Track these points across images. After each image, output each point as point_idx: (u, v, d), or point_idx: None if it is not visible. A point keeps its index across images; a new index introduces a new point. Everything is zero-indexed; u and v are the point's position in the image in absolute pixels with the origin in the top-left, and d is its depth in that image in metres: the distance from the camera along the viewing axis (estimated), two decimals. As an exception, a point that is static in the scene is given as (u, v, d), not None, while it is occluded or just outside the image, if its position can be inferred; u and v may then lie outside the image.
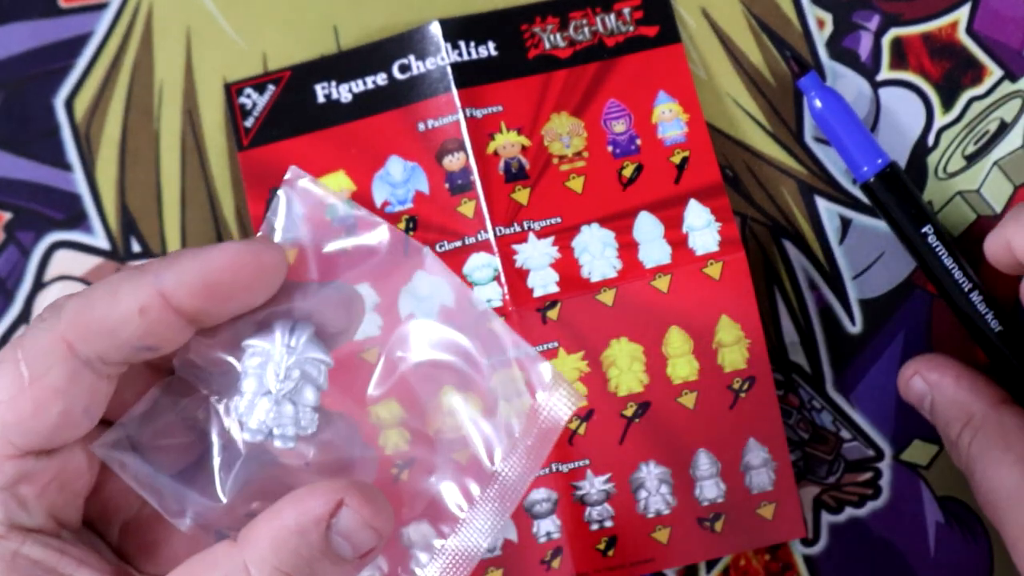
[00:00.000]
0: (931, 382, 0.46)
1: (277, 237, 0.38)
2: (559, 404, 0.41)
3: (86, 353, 0.35)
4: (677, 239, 0.49)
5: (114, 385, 0.37)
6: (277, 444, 0.37)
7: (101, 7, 0.52)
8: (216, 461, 0.38)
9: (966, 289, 0.47)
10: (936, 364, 0.47)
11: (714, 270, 0.49)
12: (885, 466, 0.51)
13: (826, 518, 0.51)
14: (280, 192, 0.40)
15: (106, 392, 0.36)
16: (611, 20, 0.51)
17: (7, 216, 0.51)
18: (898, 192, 0.48)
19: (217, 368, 0.37)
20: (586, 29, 0.51)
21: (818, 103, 0.49)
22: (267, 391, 0.36)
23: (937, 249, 0.48)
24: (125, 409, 0.38)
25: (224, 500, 0.38)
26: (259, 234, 0.39)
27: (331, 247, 0.39)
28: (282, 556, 0.34)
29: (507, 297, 0.49)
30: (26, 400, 0.35)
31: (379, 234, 0.40)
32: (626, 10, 0.51)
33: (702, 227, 0.50)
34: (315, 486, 0.34)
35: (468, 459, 0.41)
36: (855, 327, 0.51)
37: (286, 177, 0.39)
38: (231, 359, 0.37)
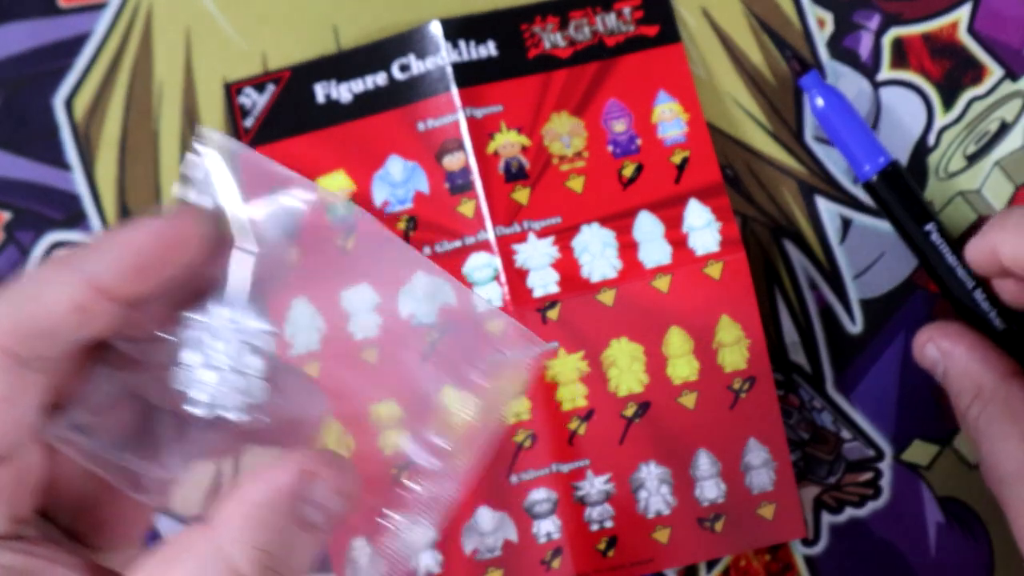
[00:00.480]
0: (943, 350, 0.46)
1: (199, 201, 0.37)
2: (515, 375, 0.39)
3: (25, 356, 0.34)
4: (677, 239, 0.49)
5: (57, 373, 0.36)
6: (229, 417, 0.35)
7: (100, 7, 0.52)
8: (167, 433, 0.37)
9: (969, 287, 0.47)
10: (949, 332, 0.46)
11: (714, 270, 0.49)
12: (885, 466, 0.51)
13: (826, 518, 0.51)
14: (198, 156, 0.37)
15: (50, 383, 0.35)
16: (611, 20, 0.51)
17: (7, 216, 0.51)
18: (900, 190, 0.48)
19: (157, 340, 0.36)
20: (586, 29, 0.51)
21: (820, 101, 0.49)
22: (212, 364, 0.35)
23: (940, 247, 0.48)
24: (67, 388, 0.37)
25: (180, 471, 0.37)
26: (178, 204, 0.38)
27: (256, 206, 0.37)
28: (256, 532, 0.33)
29: (507, 297, 0.49)
30: None
31: (304, 193, 0.38)
32: (626, 10, 0.51)
33: (702, 227, 0.50)
34: (279, 458, 0.34)
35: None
36: (855, 327, 0.51)
37: (201, 141, 0.37)
38: (170, 330, 0.36)
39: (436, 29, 0.50)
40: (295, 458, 0.34)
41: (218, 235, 0.36)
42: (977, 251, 0.44)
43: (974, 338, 0.46)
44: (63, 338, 0.34)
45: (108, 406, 0.37)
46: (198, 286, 0.36)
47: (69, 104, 0.51)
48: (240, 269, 0.35)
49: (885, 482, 0.51)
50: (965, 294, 0.47)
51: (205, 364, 0.35)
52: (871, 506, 0.51)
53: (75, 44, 0.52)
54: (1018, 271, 0.43)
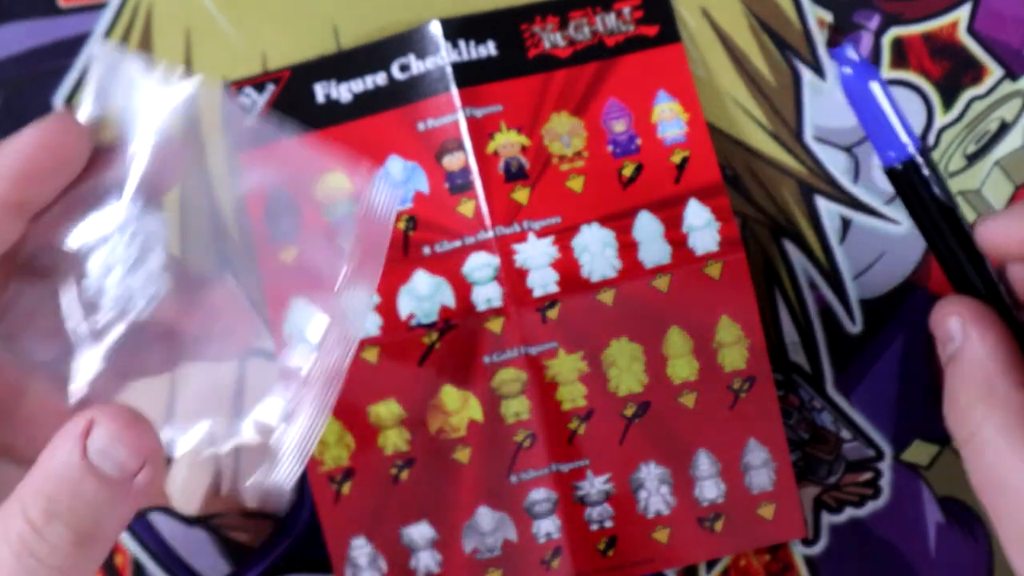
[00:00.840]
0: (967, 333, 0.42)
1: (88, 108, 0.38)
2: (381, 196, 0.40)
3: None
4: (677, 239, 0.49)
5: None
6: (134, 315, 0.37)
7: (100, 7, 0.52)
8: (84, 341, 0.38)
9: (995, 280, 0.45)
10: (981, 316, 0.42)
11: (714, 270, 0.49)
12: (885, 466, 0.51)
13: (826, 518, 0.51)
14: (93, 63, 0.38)
15: None
16: (611, 20, 0.51)
17: (7, 216, 0.51)
18: (927, 180, 0.45)
19: (60, 251, 0.37)
20: (586, 28, 0.51)
21: (847, 70, 0.45)
22: (113, 266, 0.36)
23: (967, 232, 0.44)
24: None
25: (96, 377, 0.37)
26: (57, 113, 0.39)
27: (147, 108, 0.37)
28: (49, 484, 0.34)
29: (507, 297, 0.49)
30: None
31: (184, 85, 0.38)
32: (626, 10, 0.51)
33: (702, 227, 0.50)
34: (76, 415, 0.35)
35: None
36: (855, 327, 0.51)
37: (96, 52, 0.38)
38: (69, 240, 0.37)
39: (436, 29, 0.50)
40: (86, 411, 0.34)
41: (104, 138, 0.37)
42: (994, 229, 0.42)
43: (1003, 334, 0.43)
44: None
45: (24, 322, 0.37)
46: (94, 193, 0.37)
47: (69, 104, 0.51)
48: (131, 169, 0.36)
49: (885, 482, 0.51)
50: (992, 288, 0.43)
51: (108, 268, 0.36)
52: (871, 506, 0.51)
53: (75, 44, 0.52)
54: None
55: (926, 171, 0.43)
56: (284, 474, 0.38)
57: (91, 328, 0.37)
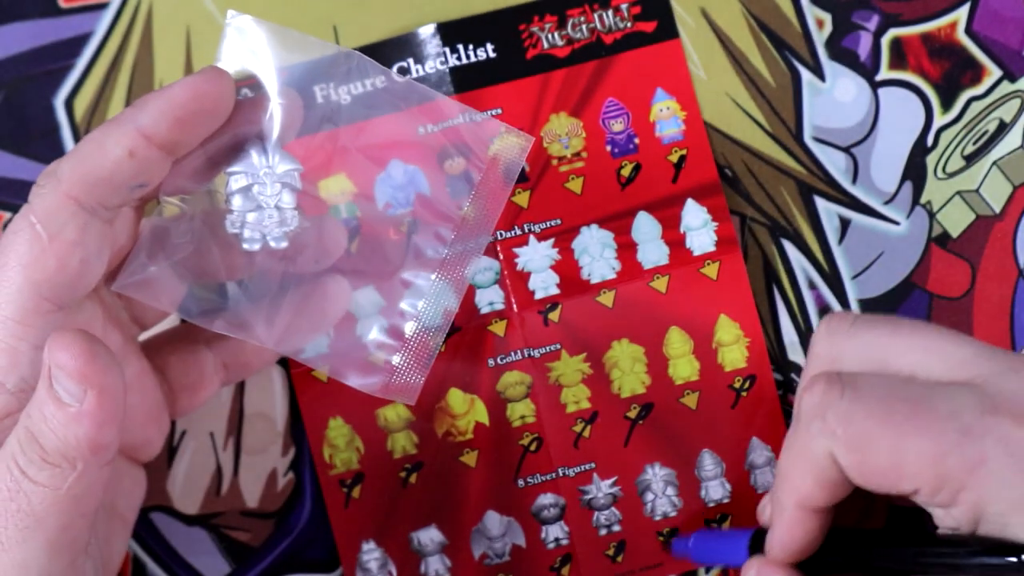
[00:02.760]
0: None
1: (226, 66, 0.41)
2: (511, 146, 0.44)
3: (90, 203, 0.38)
4: (675, 239, 0.50)
5: (115, 227, 0.40)
6: (272, 245, 0.41)
7: (101, 7, 0.51)
8: (224, 270, 0.43)
9: None
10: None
11: (711, 270, 0.49)
12: (885, 465, 0.51)
13: (826, 517, 0.51)
14: (226, 29, 0.42)
15: (111, 235, 0.40)
16: (609, 16, 0.51)
17: (7, 216, 0.51)
18: None
19: (199, 191, 0.42)
20: (584, 27, 0.51)
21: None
22: (256, 205, 0.41)
23: None
24: (120, 249, 0.41)
25: (245, 299, 0.43)
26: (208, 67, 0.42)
27: (274, 66, 0.42)
28: (31, 406, 0.36)
29: (509, 299, 0.49)
30: (49, 258, 0.38)
31: (310, 47, 0.42)
32: (624, 6, 0.51)
33: (699, 227, 0.50)
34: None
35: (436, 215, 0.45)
36: (855, 327, 0.51)
37: (229, 20, 0.42)
38: (209, 181, 0.42)
39: (434, 33, 0.50)
40: (54, 335, 0.36)
41: (245, 92, 0.42)
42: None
43: None
44: (121, 183, 0.38)
45: (168, 255, 0.42)
46: (233, 143, 0.41)
47: (69, 104, 0.51)
48: (267, 121, 0.41)
49: (885, 481, 0.51)
50: None
51: (248, 206, 0.41)
52: (871, 505, 0.51)
53: (76, 44, 0.51)
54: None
55: None
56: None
57: (228, 257, 0.43)
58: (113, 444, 0.37)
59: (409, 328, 0.44)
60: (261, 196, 0.41)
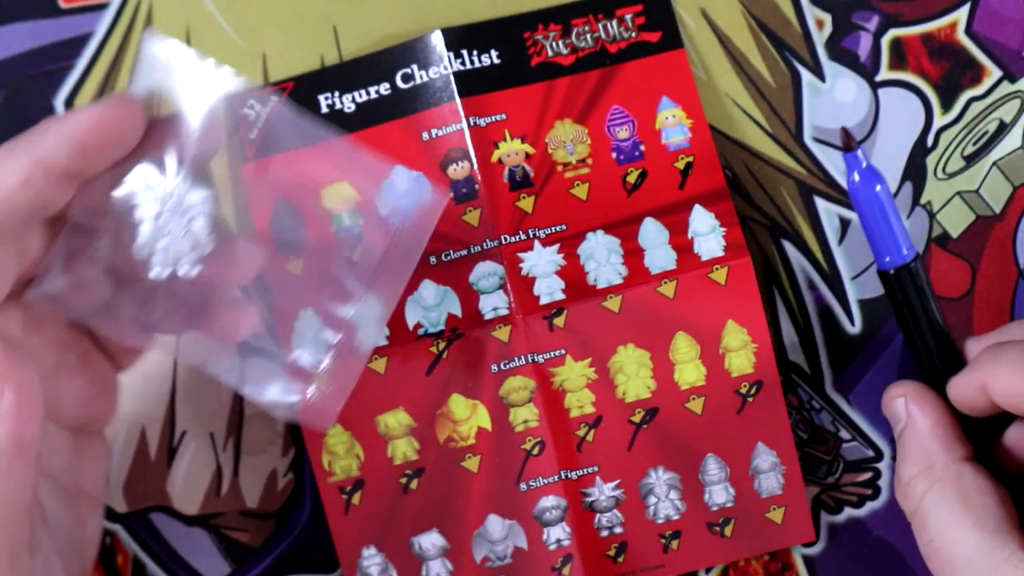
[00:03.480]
0: (911, 412, 0.45)
1: (138, 86, 0.41)
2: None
3: None
4: (682, 244, 0.50)
5: (19, 245, 0.40)
6: (183, 271, 0.40)
7: (101, 7, 0.51)
8: (134, 293, 0.42)
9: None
10: (922, 398, 0.45)
11: (720, 275, 0.49)
12: (884, 466, 0.51)
13: (825, 518, 0.51)
14: (142, 52, 0.41)
15: (16, 252, 0.39)
16: (613, 26, 0.50)
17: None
18: (915, 288, 0.46)
19: (110, 212, 0.41)
20: (588, 36, 0.50)
21: (856, 177, 0.46)
22: (164, 231, 0.40)
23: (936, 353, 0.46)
24: (34, 260, 0.41)
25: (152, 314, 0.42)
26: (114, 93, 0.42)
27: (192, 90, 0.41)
28: None
29: (513, 305, 0.49)
30: None
31: (231, 76, 0.41)
32: (628, 16, 0.51)
33: (707, 232, 0.50)
34: None
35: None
36: (854, 327, 0.51)
37: (145, 41, 0.41)
38: (120, 202, 0.40)
39: (438, 39, 0.49)
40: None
41: (157, 115, 0.40)
42: (965, 387, 0.43)
43: (942, 413, 0.45)
44: (18, 210, 0.38)
45: (78, 274, 0.41)
46: (144, 167, 0.40)
47: (70, 104, 0.51)
48: (183, 142, 0.40)
49: (884, 482, 0.51)
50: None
51: (156, 235, 0.40)
52: (870, 506, 0.51)
53: (76, 44, 0.51)
54: (1011, 408, 0.42)
55: (916, 279, 0.45)
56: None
57: (137, 280, 0.41)
58: (36, 442, 0.37)
59: (328, 356, 0.44)
60: (170, 225, 0.40)
